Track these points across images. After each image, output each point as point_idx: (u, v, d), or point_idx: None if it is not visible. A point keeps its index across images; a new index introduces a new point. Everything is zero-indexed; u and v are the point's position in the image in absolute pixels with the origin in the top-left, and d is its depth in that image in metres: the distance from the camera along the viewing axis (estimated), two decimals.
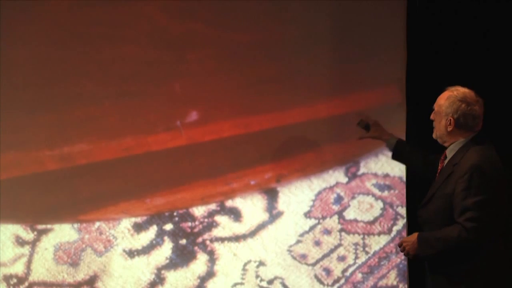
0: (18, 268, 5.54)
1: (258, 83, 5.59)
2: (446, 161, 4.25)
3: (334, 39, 5.59)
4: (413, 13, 5.55)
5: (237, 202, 5.62)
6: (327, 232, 5.57)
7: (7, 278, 5.52)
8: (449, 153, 4.25)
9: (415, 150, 4.74)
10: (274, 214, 5.62)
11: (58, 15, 5.51)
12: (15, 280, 5.53)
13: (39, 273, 5.54)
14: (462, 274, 4.06)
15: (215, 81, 5.58)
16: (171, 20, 5.57)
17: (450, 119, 4.24)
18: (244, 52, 5.60)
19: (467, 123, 4.25)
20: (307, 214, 5.61)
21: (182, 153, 5.56)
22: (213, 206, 5.61)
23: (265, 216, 5.62)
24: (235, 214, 5.62)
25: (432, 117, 4.36)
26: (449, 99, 4.29)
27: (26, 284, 5.54)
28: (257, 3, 5.59)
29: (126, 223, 5.59)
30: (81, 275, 5.56)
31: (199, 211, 5.61)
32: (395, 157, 4.78)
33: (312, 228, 5.60)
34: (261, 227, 5.62)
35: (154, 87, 5.56)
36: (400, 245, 4.18)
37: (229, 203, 5.62)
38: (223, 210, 5.62)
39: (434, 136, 4.36)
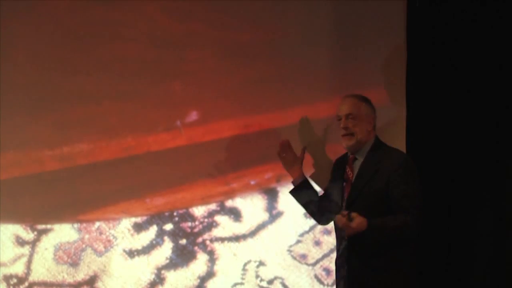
0: (18, 268, 5.54)
1: (258, 83, 5.59)
2: (359, 162, 4.42)
3: (334, 39, 5.59)
4: (413, 13, 5.55)
5: (237, 202, 5.62)
6: (327, 232, 5.57)
7: (7, 278, 5.52)
8: (360, 154, 4.43)
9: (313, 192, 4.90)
10: (274, 214, 5.62)
11: (58, 15, 5.51)
12: (15, 280, 5.53)
13: (39, 273, 5.55)
14: (388, 262, 4.22)
15: (215, 81, 5.58)
16: (171, 20, 5.57)
17: (371, 120, 4.40)
18: (244, 51, 5.60)
19: (375, 124, 4.51)
20: (307, 214, 5.60)
21: (182, 153, 5.56)
22: (213, 206, 5.61)
23: (265, 216, 5.62)
24: (235, 214, 5.62)
25: (346, 124, 4.42)
26: (364, 101, 4.49)
27: (26, 284, 5.54)
28: (257, 3, 5.59)
29: (126, 223, 5.59)
30: (81, 275, 5.56)
31: (199, 211, 5.61)
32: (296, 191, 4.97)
33: (312, 228, 5.60)
34: (261, 227, 5.62)
35: (154, 87, 5.56)
36: (347, 215, 4.19)
37: (229, 203, 5.62)
38: (223, 210, 5.62)
39: (350, 144, 4.44)
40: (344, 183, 4.44)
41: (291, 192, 4.99)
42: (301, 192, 4.88)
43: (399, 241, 4.28)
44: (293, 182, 4.99)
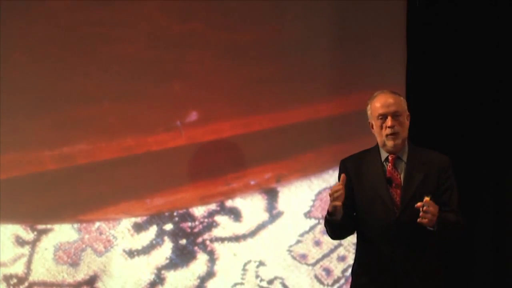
0: (18, 268, 5.54)
1: (258, 83, 5.59)
2: (401, 162, 4.10)
3: (334, 39, 5.60)
4: (413, 13, 5.55)
5: (237, 202, 5.62)
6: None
7: (7, 278, 5.52)
8: (402, 154, 4.11)
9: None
10: (274, 214, 5.62)
11: (58, 15, 5.51)
12: (15, 280, 5.53)
13: (39, 273, 5.54)
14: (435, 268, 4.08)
15: (215, 81, 5.58)
16: (171, 20, 5.57)
17: (408, 116, 4.13)
18: (244, 52, 5.60)
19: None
20: (307, 214, 5.61)
21: (182, 153, 5.56)
22: (213, 206, 5.61)
23: (265, 216, 5.62)
24: (235, 214, 5.62)
25: (393, 123, 4.06)
26: (398, 96, 4.14)
27: (26, 284, 5.54)
28: (257, 3, 5.59)
29: (126, 223, 5.59)
30: (81, 275, 5.56)
31: (199, 211, 5.61)
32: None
33: (312, 228, 5.60)
34: (261, 227, 5.62)
35: (154, 87, 5.56)
36: (423, 208, 3.88)
37: (229, 203, 5.62)
38: (223, 210, 5.62)
39: (398, 143, 4.07)
40: (389, 186, 4.06)
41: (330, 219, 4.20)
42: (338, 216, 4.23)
43: (451, 239, 4.12)
44: (333, 214, 4.13)
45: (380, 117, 4.08)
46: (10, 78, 5.46)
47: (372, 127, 4.14)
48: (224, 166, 5.59)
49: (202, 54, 5.57)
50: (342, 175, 4.00)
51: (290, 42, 5.59)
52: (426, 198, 3.88)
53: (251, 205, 5.62)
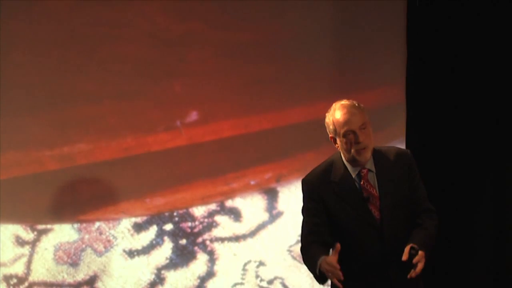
0: (18, 268, 5.54)
1: (258, 83, 5.59)
2: (372, 174, 3.92)
3: (334, 39, 5.60)
4: (413, 13, 5.55)
5: (237, 202, 5.62)
6: None
7: (7, 278, 5.52)
8: (369, 165, 3.92)
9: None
10: (274, 214, 5.62)
11: (58, 15, 5.51)
12: (15, 280, 5.53)
13: (39, 273, 5.54)
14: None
15: (215, 81, 5.58)
16: (171, 20, 5.57)
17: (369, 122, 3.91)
18: (244, 52, 5.60)
19: None
20: None
21: (182, 153, 5.56)
22: (213, 206, 5.61)
23: (265, 216, 5.62)
24: (235, 214, 5.62)
25: (363, 138, 3.83)
26: (359, 105, 3.92)
27: (26, 284, 5.54)
28: (257, 3, 5.59)
29: (126, 223, 5.59)
30: (81, 275, 5.55)
31: (199, 211, 5.61)
32: None
33: None
34: (261, 227, 5.62)
35: (154, 87, 5.56)
36: (412, 273, 3.77)
37: (229, 203, 5.62)
38: (223, 210, 5.62)
39: (368, 156, 3.88)
40: (367, 202, 3.88)
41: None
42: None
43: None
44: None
45: (344, 135, 3.87)
46: (10, 78, 5.46)
47: (335, 142, 3.93)
48: (224, 166, 5.59)
49: (202, 54, 5.57)
50: (337, 245, 3.75)
51: (290, 42, 5.59)
52: (409, 251, 3.75)
53: (251, 205, 5.62)
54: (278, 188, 5.62)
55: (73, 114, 5.51)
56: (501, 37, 5.53)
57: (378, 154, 3.94)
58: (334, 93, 5.61)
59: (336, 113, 3.91)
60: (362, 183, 3.91)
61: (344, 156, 3.93)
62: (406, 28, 5.56)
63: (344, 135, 3.86)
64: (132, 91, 5.54)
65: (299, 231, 5.57)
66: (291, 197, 5.61)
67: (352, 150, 3.86)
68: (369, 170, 3.92)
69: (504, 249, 5.56)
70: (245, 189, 5.61)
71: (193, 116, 5.59)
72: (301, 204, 5.41)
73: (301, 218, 5.23)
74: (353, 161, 3.90)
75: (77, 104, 5.51)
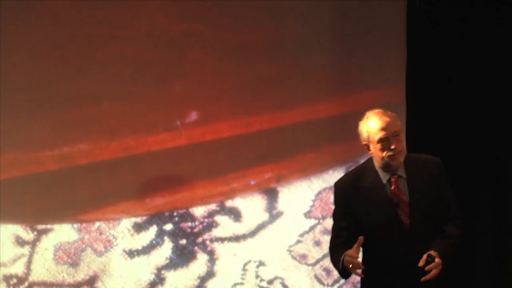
0: (18, 268, 5.54)
1: (258, 83, 5.59)
2: (403, 180, 4.04)
3: (335, 39, 5.60)
4: (413, 13, 5.55)
5: (237, 202, 5.62)
6: (327, 232, 5.56)
7: (7, 278, 5.52)
8: (401, 171, 4.04)
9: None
10: (274, 214, 5.62)
11: (58, 15, 5.50)
12: (15, 280, 5.53)
13: (39, 273, 5.54)
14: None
15: (215, 81, 5.58)
16: (171, 20, 5.57)
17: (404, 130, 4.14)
18: (244, 51, 5.60)
19: None
20: (307, 214, 5.61)
21: (182, 153, 5.56)
22: (213, 206, 5.61)
23: (265, 216, 5.62)
24: (235, 214, 5.62)
25: (396, 145, 3.97)
26: (392, 114, 4.07)
27: (26, 284, 5.54)
28: (257, 3, 5.59)
29: (126, 223, 5.59)
30: (81, 275, 5.55)
31: (199, 211, 5.61)
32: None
33: (312, 228, 5.60)
34: (261, 227, 5.62)
35: (154, 87, 5.56)
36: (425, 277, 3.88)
37: (229, 203, 5.62)
38: (223, 210, 5.61)
39: (400, 162, 4.00)
40: (397, 208, 3.99)
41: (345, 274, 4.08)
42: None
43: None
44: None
45: (380, 140, 3.99)
46: (10, 78, 5.46)
47: (369, 149, 4.03)
48: (224, 166, 5.58)
49: (202, 54, 5.57)
50: (360, 238, 3.87)
51: (290, 42, 5.59)
52: (426, 258, 3.86)
53: (251, 205, 5.62)
54: (278, 188, 5.62)
55: (73, 114, 5.51)
56: (501, 37, 5.53)
57: (409, 161, 4.05)
58: (334, 93, 5.62)
59: (370, 121, 4.03)
60: (393, 188, 4.02)
61: (377, 162, 4.04)
62: (406, 28, 5.56)
63: (378, 142, 3.99)
64: (132, 91, 5.54)
65: (299, 231, 5.64)
66: (291, 197, 5.61)
67: (385, 156, 3.98)
68: (400, 176, 4.04)
69: (505, 249, 5.56)
70: (245, 189, 5.61)
71: (193, 116, 5.59)
72: (301, 204, 5.48)
73: (300, 218, 5.29)
74: (386, 167, 4.02)
75: (77, 104, 5.51)
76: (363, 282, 4.10)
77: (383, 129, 3.97)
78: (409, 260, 3.95)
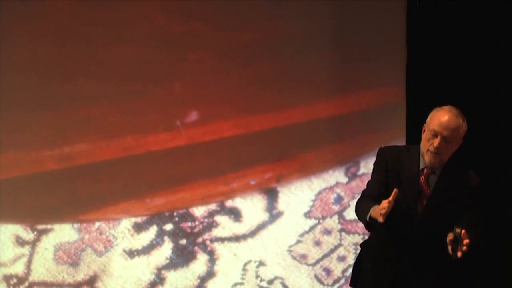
0: (18, 268, 5.54)
1: (258, 83, 5.59)
2: (435, 176, 4.13)
3: (335, 39, 5.60)
4: (413, 13, 5.55)
5: (237, 202, 5.62)
6: (327, 232, 5.57)
7: (7, 278, 5.52)
8: (438, 169, 4.12)
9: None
10: (274, 214, 5.62)
11: (58, 15, 5.51)
12: (15, 280, 5.53)
13: (39, 273, 5.54)
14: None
15: (215, 81, 5.58)
16: (171, 20, 5.57)
17: (461, 141, 4.14)
18: (244, 51, 5.60)
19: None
20: (307, 214, 5.61)
21: (182, 153, 5.57)
22: (213, 206, 5.61)
23: (265, 216, 5.62)
24: (235, 214, 5.62)
25: (440, 146, 4.06)
26: (464, 121, 4.17)
27: (26, 284, 5.54)
28: (257, 3, 5.59)
29: (126, 223, 5.59)
30: (81, 275, 5.56)
31: (199, 211, 5.61)
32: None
33: (312, 228, 5.60)
34: (261, 227, 5.62)
35: (154, 87, 5.56)
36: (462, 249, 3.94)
37: (229, 203, 5.62)
38: (223, 210, 5.62)
39: (434, 161, 4.09)
40: (418, 197, 4.11)
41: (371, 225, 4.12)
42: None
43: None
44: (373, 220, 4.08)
45: (433, 132, 4.08)
46: (10, 78, 5.46)
47: (423, 132, 4.14)
48: (224, 166, 5.59)
49: (202, 54, 5.57)
50: (395, 191, 3.90)
51: (290, 42, 5.59)
52: (460, 231, 3.87)
53: (251, 205, 5.62)
54: (278, 188, 5.62)
55: (73, 114, 5.52)
56: (501, 37, 5.54)
57: (453, 165, 4.14)
58: (334, 93, 5.62)
59: (440, 112, 4.13)
60: (421, 178, 4.11)
61: (421, 148, 4.14)
62: (406, 28, 5.56)
63: (431, 132, 4.08)
64: (132, 91, 5.54)
65: (299, 231, 5.63)
66: (291, 197, 5.61)
67: (426, 147, 4.08)
68: (434, 172, 4.13)
69: (505, 249, 5.56)
70: (245, 189, 5.61)
71: (193, 116, 5.60)
72: (301, 204, 5.47)
73: (300, 218, 5.27)
74: (423, 155, 4.12)
75: (77, 104, 5.51)
76: (362, 252, 4.21)
77: (441, 125, 4.07)
78: (407, 250, 4.06)
